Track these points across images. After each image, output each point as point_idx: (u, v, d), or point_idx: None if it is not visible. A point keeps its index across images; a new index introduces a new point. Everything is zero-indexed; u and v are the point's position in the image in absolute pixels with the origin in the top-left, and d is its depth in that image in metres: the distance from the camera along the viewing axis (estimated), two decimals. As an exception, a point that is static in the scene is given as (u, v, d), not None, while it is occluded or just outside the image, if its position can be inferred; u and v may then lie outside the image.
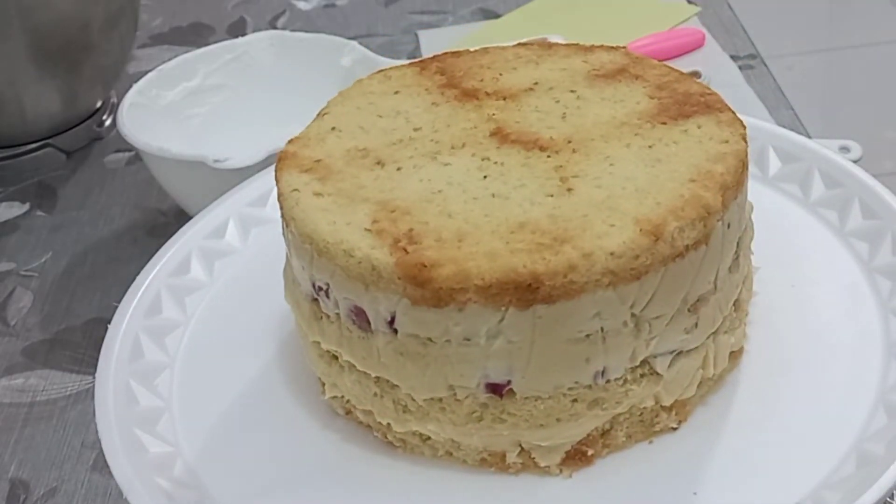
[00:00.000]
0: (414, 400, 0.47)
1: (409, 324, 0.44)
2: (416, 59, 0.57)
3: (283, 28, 1.06)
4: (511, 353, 0.44)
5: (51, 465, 0.63)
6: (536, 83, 0.53)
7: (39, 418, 0.67)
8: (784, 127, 0.81)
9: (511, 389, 0.45)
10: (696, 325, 0.47)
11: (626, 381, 0.46)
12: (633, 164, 0.46)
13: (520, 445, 0.47)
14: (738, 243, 0.48)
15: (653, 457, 0.48)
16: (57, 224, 0.84)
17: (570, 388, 0.45)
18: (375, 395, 0.48)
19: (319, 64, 0.82)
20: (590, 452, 0.47)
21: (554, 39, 0.87)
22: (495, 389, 0.45)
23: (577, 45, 0.56)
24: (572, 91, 0.52)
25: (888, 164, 0.79)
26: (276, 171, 0.50)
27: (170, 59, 0.82)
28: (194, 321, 0.56)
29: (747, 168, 0.48)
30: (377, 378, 0.47)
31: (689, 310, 0.46)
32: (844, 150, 0.75)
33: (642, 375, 0.46)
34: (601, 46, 0.55)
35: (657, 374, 0.47)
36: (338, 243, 0.45)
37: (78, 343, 0.71)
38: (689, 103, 0.50)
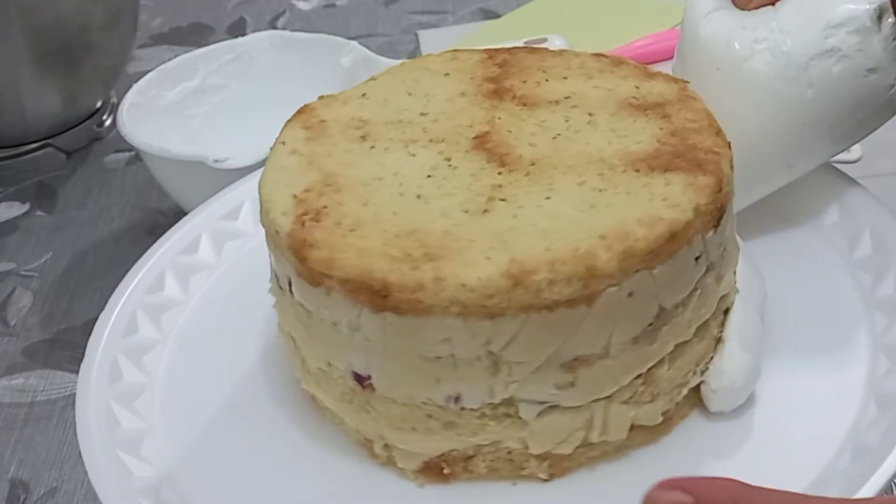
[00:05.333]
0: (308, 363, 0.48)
1: (297, 292, 0.46)
2: (496, 48, 0.55)
3: (283, 28, 1.06)
4: (368, 350, 0.45)
5: (51, 465, 0.63)
6: (568, 97, 0.51)
7: (39, 418, 0.67)
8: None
9: (372, 384, 0.46)
10: (573, 384, 0.44)
11: (483, 414, 0.45)
12: (568, 203, 0.44)
13: (384, 439, 0.47)
14: (667, 319, 0.45)
15: (646, 462, 0.47)
16: (57, 224, 0.84)
17: (423, 402, 0.45)
18: (293, 350, 0.49)
19: (319, 64, 0.82)
20: (446, 471, 0.47)
21: (554, 39, 0.87)
22: (359, 379, 0.46)
23: (644, 68, 0.52)
24: (591, 114, 0.50)
25: (888, 164, 0.79)
26: (289, 119, 0.52)
27: (170, 59, 0.82)
28: (172, 339, 0.54)
29: (691, 243, 0.44)
30: (292, 336, 0.49)
31: (562, 366, 0.44)
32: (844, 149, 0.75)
33: (506, 415, 0.45)
34: (665, 75, 0.52)
35: (522, 419, 0.45)
36: (268, 200, 0.47)
37: (78, 343, 0.71)
38: (683, 157, 0.46)
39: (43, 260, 0.80)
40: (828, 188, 0.56)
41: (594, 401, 0.45)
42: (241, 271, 0.57)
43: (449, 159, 0.48)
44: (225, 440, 0.50)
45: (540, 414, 0.45)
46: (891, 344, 0.49)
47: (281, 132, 0.51)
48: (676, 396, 0.47)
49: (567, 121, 0.49)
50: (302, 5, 1.12)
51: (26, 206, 0.86)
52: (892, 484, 0.56)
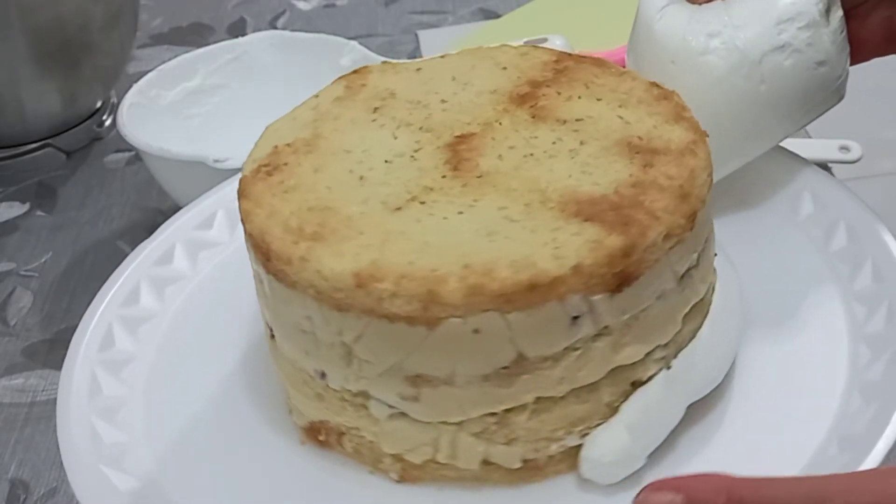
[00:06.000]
0: None
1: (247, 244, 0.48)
2: (568, 52, 0.54)
3: (283, 28, 1.06)
4: (267, 305, 0.47)
5: (51, 465, 0.63)
6: (580, 119, 0.48)
7: (39, 418, 0.67)
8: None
9: (274, 336, 0.48)
10: (417, 399, 0.44)
11: (344, 398, 0.46)
12: (473, 224, 0.43)
13: (287, 390, 0.49)
14: (529, 369, 0.43)
15: (498, 500, 0.46)
16: (57, 224, 0.84)
17: (301, 368, 0.46)
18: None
19: (319, 64, 0.82)
20: (321, 438, 0.48)
21: (554, 39, 0.87)
22: (269, 328, 0.49)
23: (681, 110, 0.49)
24: (582, 143, 0.47)
25: (888, 164, 0.79)
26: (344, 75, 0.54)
27: (170, 59, 0.82)
28: (151, 352, 0.54)
29: (563, 300, 0.41)
30: None
31: (406, 378, 0.43)
32: (844, 149, 0.75)
33: (362, 406, 0.45)
34: (693, 124, 0.48)
35: (374, 415, 0.45)
36: (257, 144, 0.49)
37: (78, 343, 0.71)
38: (619, 211, 0.43)
39: (43, 260, 0.80)
40: (801, 180, 0.56)
41: (442, 422, 0.44)
42: (217, 282, 0.57)
43: (417, 150, 0.48)
44: (208, 452, 0.49)
45: (390, 416, 0.45)
46: (871, 333, 0.49)
47: (329, 85, 0.52)
48: (543, 449, 0.45)
49: (554, 143, 0.47)
50: (302, 5, 1.12)
51: (26, 206, 0.86)
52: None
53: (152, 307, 0.56)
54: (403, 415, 0.45)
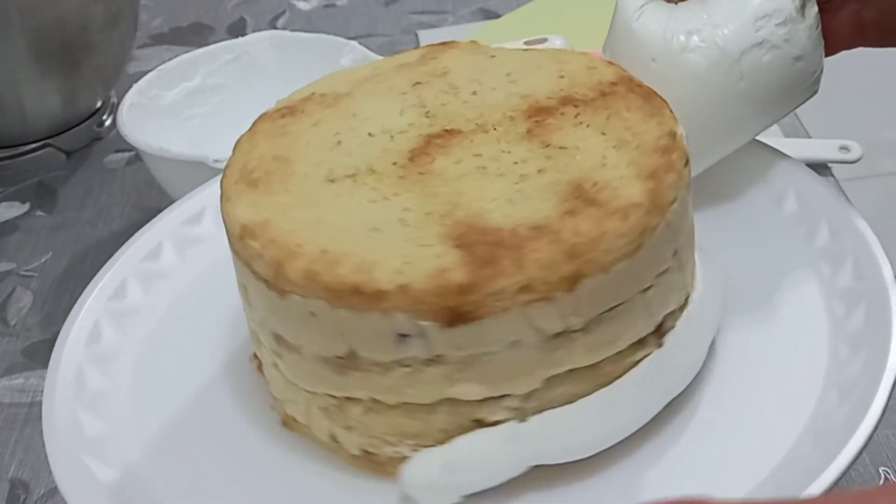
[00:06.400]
0: None
1: None
2: (630, 77, 0.52)
3: (283, 28, 1.06)
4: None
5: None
6: (563, 148, 0.46)
7: (39, 418, 0.66)
8: (784, 127, 0.81)
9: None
10: (281, 357, 0.45)
11: (255, 338, 0.48)
12: (372, 214, 0.43)
13: None
14: (360, 366, 0.43)
15: (337, 482, 0.46)
16: (57, 224, 0.84)
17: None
18: None
19: (319, 64, 0.82)
20: (257, 365, 0.51)
21: (554, 40, 0.87)
22: None
23: (665, 169, 0.44)
24: (540, 171, 0.45)
25: (888, 164, 0.79)
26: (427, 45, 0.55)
27: (170, 59, 0.82)
28: (137, 345, 0.53)
29: (388, 315, 0.41)
30: None
31: (273, 335, 0.45)
32: (844, 149, 0.75)
33: (259, 346, 0.48)
34: (656, 189, 0.44)
35: (265, 357, 0.48)
36: (292, 92, 0.52)
37: (78, 343, 0.71)
38: (496, 250, 0.41)
39: (43, 260, 0.80)
40: (786, 178, 0.56)
41: (298, 386, 0.46)
42: (205, 278, 0.57)
43: (402, 132, 0.48)
44: (189, 445, 0.49)
45: (272, 364, 0.47)
46: (850, 331, 0.48)
47: (410, 50, 0.54)
48: (380, 447, 0.45)
49: (515, 164, 0.45)
50: (302, 5, 1.12)
51: (26, 206, 0.86)
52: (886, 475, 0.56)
53: (139, 301, 0.56)
54: (277, 367, 0.47)
